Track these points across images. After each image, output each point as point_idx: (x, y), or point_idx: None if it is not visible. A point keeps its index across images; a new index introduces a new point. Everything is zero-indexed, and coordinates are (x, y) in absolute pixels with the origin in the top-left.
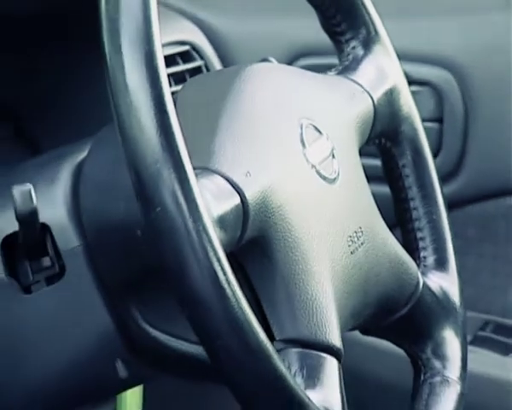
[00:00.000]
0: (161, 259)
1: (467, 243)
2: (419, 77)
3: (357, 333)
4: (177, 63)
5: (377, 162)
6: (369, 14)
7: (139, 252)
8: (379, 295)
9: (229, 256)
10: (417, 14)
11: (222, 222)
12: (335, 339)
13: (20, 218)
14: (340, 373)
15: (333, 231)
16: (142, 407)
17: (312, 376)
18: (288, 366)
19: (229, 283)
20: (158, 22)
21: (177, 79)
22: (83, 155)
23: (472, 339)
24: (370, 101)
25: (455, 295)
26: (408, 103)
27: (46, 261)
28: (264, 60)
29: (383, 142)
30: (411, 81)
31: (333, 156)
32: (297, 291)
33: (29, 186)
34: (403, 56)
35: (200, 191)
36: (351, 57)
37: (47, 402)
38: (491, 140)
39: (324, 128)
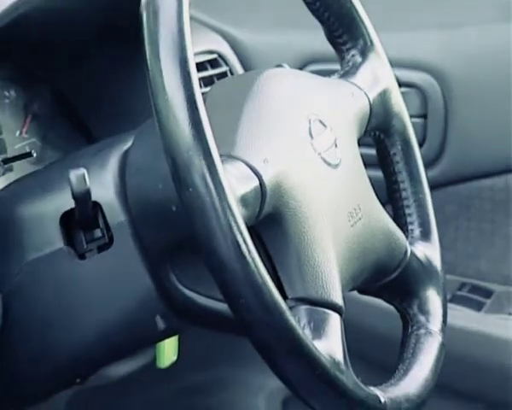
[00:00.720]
0: (193, 231)
1: (446, 217)
2: (407, 80)
3: (355, 293)
4: (206, 69)
5: (373, 151)
6: (366, 27)
7: (175, 225)
8: (374, 261)
9: (250, 229)
10: (406, 28)
11: (243, 201)
12: (338, 298)
13: (76, 197)
14: (341, 326)
15: (335, 208)
16: (178, 353)
17: (318, 328)
18: (298, 320)
19: (249, 251)
20: (190, 34)
21: (206, 82)
22: (128, 144)
23: (451, 298)
24: (367, 100)
25: (437, 261)
26: (398, 102)
27: (97, 233)
28: (279, 66)
29: (377, 134)
30: (401, 84)
31: (336, 146)
32: (305, 258)
33: (83, 170)
34: (394, 63)
35: (225, 175)
36: (350, 64)
37: (97, 353)
38: (466, 133)
39: (329, 122)
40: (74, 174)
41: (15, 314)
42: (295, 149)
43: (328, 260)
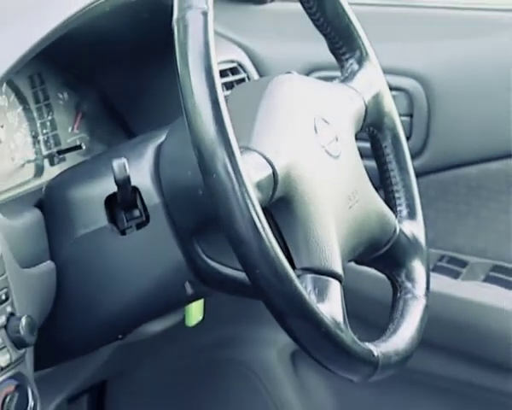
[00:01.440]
0: (216, 211)
1: (428, 200)
2: (396, 85)
3: (353, 264)
4: (227, 75)
5: (367, 144)
6: (361, 40)
7: (201, 206)
8: (368, 237)
9: (264, 210)
10: (395, 41)
11: (258, 186)
12: (338, 268)
13: (118, 182)
14: (341, 292)
15: (336, 192)
16: (203, 313)
17: (322, 294)
18: (305, 286)
19: (263, 228)
20: (214, 46)
21: (228, 86)
22: (162, 138)
23: (433, 268)
24: (363, 101)
25: (421, 237)
26: (389, 103)
27: (136, 213)
28: (288, 72)
29: (371, 130)
30: (391, 88)
31: (336, 140)
32: (311, 234)
33: (124, 160)
34: (385, 70)
35: (243, 164)
36: (349, 71)
37: (135, 314)
38: (446, 129)
39: (330, 120)
40: (117, 163)
41: (68, 282)
42: (302, 143)
43: (330, 236)
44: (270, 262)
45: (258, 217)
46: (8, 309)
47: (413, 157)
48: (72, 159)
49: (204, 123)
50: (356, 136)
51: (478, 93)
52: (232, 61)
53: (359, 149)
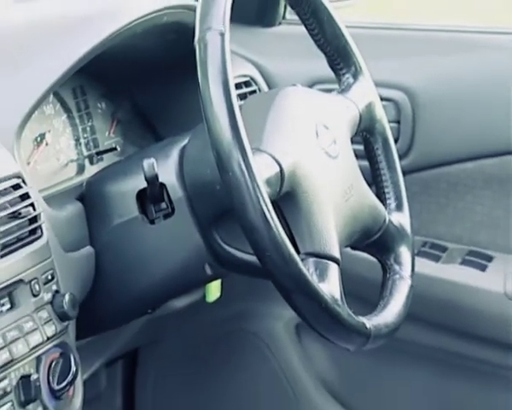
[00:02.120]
0: (232, 203)
1: (413, 195)
2: (386, 96)
3: (349, 249)
4: (241, 87)
5: (361, 147)
6: (356, 57)
7: (219, 200)
8: (362, 226)
9: (273, 203)
10: (385, 58)
11: (268, 182)
12: (336, 252)
13: (147, 179)
14: (339, 273)
15: (334, 187)
16: (221, 291)
17: (322, 275)
18: (308, 269)
19: (272, 219)
20: (230, 63)
21: (241, 97)
22: (185, 141)
23: (417, 252)
24: (357, 110)
25: (407, 226)
26: (380, 112)
27: (163, 205)
28: (294, 85)
29: (365, 134)
30: (382, 98)
31: (335, 143)
32: (313, 224)
33: (153, 160)
34: (377, 83)
35: (255, 163)
36: (345, 83)
37: (163, 291)
38: (428, 134)
39: (330, 126)
40: (146, 163)
41: (105, 264)
42: (306, 145)
43: (329, 225)
44: (277, 247)
45: (268, 209)
46: (54, 287)
47: (400, 158)
48: (108, 159)
49: (221, 128)
50: (351, 139)
51: (456, 104)
52: (245, 76)
53: (354, 150)
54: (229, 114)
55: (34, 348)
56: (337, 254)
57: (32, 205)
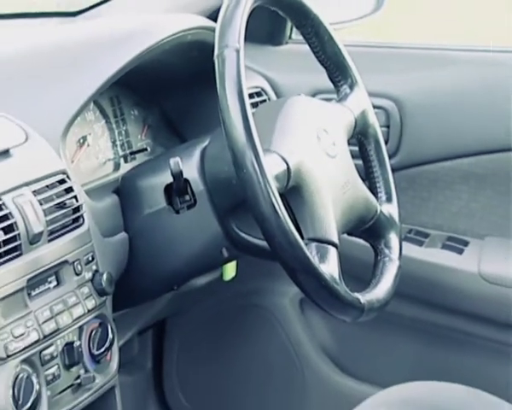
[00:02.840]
0: (246, 196)
1: (401, 189)
2: (378, 104)
3: (346, 235)
4: (253, 97)
5: (356, 148)
6: (352, 71)
7: (234, 193)
8: (357, 215)
9: (281, 196)
10: (377, 72)
11: (276, 178)
12: (335, 238)
13: (173, 175)
14: (337, 256)
15: (333, 182)
16: (236, 271)
17: (323, 257)
18: (310, 252)
19: (280, 209)
20: (245, 76)
21: (254, 105)
22: (206, 143)
23: (404, 238)
24: (353, 116)
25: (396, 215)
26: (372, 118)
27: (187, 198)
28: (298, 95)
29: (359, 137)
30: (374, 106)
31: (334, 144)
32: (315, 213)
33: (178, 159)
34: (370, 94)
35: (266, 162)
36: (343, 94)
37: (186, 270)
38: (413, 137)
39: (329, 130)
40: (172, 161)
41: (137, 248)
42: (309, 146)
43: (329, 215)
44: (284, 234)
45: (277, 201)
46: (94, 267)
47: (390, 157)
48: (140, 158)
49: (237, 132)
50: (348, 141)
51: (436, 111)
52: (257, 87)
53: (350, 151)
54: (244, 119)
55: (77, 319)
56: (336, 240)
57: (75, 197)
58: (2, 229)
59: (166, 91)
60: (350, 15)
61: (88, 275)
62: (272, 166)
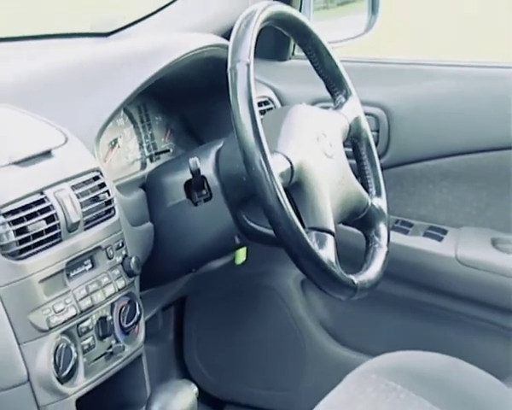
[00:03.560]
0: (255, 191)
1: (389, 185)
2: (369, 112)
3: (341, 225)
4: (261, 106)
5: (350, 149)
6: (347, 83)
7: (245, 188)
8: (351, 207)
9: (285, 190)
10: (369, 84)
11: (281, 175)
12: (332, 227)
13: (192, 172)
14: (334, 243)
15: (330, 178)
16: (246, 256)
17: (321, 244)
18: (311, 239)
19: (285, 202)
20: (254, 87)
21: (262, 113)
22: (220, 145)
23: (391, 227)
24: (347, 122)
25: (384, 208)
26: (364, 123)
27: (204, 192)
28: (300, 103)
29: (353, 140)
30: (365, 113)
31: (331, 146)
32: (315, 205)
33: (196, 158)
34: (362, 103)
35: (272, 161)
36: (339, 102)
37: (204, 255)
38: (399, 140)
39: (327, 133)
40: (192, 160)
41: (161, 235)
42: (309, 148)
43: (327, 207)
44: (288, 223)
45: (281, 195)
46: (123, 252)
47: (379, 157)
48: (163, 158)
49: (247, 135)
50: (343, 143)
51: (420, 117)
52: (264, 97)
53: (345, 152)
54: (253, 124)
55: (109, 297)
56: (332, 228)
57: (107, 191)
58: (45, 219)
59: (186, 100)
60: (345, 35)
61: (118, 259)
62: (278, 165)
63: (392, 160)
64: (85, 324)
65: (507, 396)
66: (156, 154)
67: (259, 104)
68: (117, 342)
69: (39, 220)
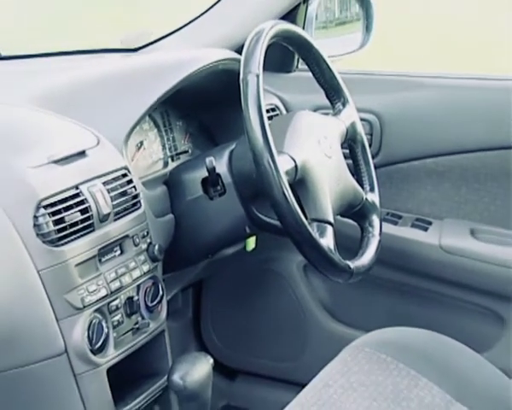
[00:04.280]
0: (263, 187)
1: (381, 182)
2: (364, 117)
3: (339, 217)
4: (269, 112)
5: (347, 151)
6: (345, 92)
7: (255, 184)
8: (348, 201)
9: (290, 186)
10: (364, 93)
11: (287, 173)
12: (331, 218)
13: (208, 170)
14: (333, 232)
15: (330, 176)
16: (256, 243)
17: (322, 233)
18: (312, 229)
19: (290, 196)
20: (263, 96)
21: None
22: (233, 146)
23: (383, 219)
24: (345, 127)
25: (377, 202)
26: (359, 128)
27: (218, 188)
28: (303, 110)
29: (350, 142)
30: (361, 119)
31: (330, 147)
32: (317, 199)
33: (212, 158)
34: (358, 109)
35: (279, 160)
36: (337, 109)
37: (218, 243)
38: (389, 142)
39: (327, 136)
40: (208, 160)
41: (181, 226)
42: (311, 149)
43: (327, 201)
44: (293, 215)
45: (287, 190)
46: (148, 240)
47: (372, 157)
48: (183, 158)
49: (257, 138)
50: (341, 145)
51: (408, 123)
52: (272, 104)
53: (343, 153)
54: (262, 128)
55: (135, 279)
56: (332, 220)
57: (134, 187)
58: (80, 211)
59: (203, 107)
60: (343, 51)
61: (144, 246)
62: (284, 164)
63: (383, 160)
64: (115, 303)
65: (482, 365)
66: (177, 154)
67: (267, 111)
68: (142, 318)
69: (75, 212)
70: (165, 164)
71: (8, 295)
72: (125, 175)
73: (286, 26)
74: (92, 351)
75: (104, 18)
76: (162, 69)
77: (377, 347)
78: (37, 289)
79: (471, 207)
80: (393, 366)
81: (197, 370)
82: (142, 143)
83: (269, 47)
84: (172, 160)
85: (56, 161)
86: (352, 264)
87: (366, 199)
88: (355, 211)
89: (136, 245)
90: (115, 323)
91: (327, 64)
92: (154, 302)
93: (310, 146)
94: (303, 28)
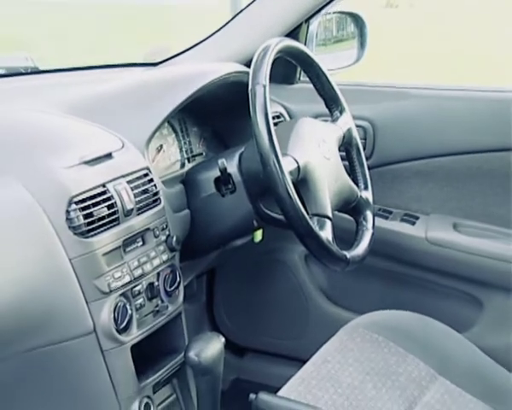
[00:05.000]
0: (269, 185)
1: (374, 182)
2: (358, 124)
3: (337, 212)
4: (274, 119)
5: (343, 153)
6: (342, 102)
7: (262, 183)
8: (344, 198)
9: (293, 185)
10: (359, 102)
11: (290, 173)
12: (330, 213)
13: (221, 170)
14: (332, 226)
15: (329, 176)
16: (263, 235)
17: (322, 226)
18: (313, 223)
19: (293, 194)
20: (269, 104)
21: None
22: (242, 149)
23: (375, 214)
24: (342, 132)
25: (370, 199)
26: (354, 133)
27: (229, 186)
28: (305, 117)
29: (346, 146)
30: (356, 125)
31: (329, 150)
32: (317, 197)
33: (224, 159)
34: (353, 117)
35: (283, 161)
36: (335, 117)
37: (229, 235)
38: (382, 146)
39: (326, 140)
40: (220, 161)
41: (196, 220)
42: (312, 152)
43: (326, 198)
44: (296, 210)
45: (290, 188)
46: (167, 232)
47: (366, 159)
48: (198, 159)
49: (264, 142)
50: (339, 149)
51: (398, 129)
52: (277, 112)
53: (340, 155)
54: (268, 133)
55: (156, 267)
56: (330, 215)
57: (154, 185)
58: (107, 206)
59: (216, 115)
60: (340, 65)
61: (163, 237)
62: (287, 165)
63: (376, 161)
64: (137, 288)
65: (462, 343)
66: (192, 156)
67: (273, 118)
68: (162, 302)
69: (102, 207)
70: (182, 165)
71: (44, 280)
72: (146, 175)
73: (290, 42)
74: (118, 330)
75: (131, 38)
76: (179, 81)
77: (370, 327)
78: (69, 275)
79: (454, 204)
80: (384, 344)
81: (210, 347)
82: (161, 146)
83: (274, 61)
84: (188, 161)
85: (86, 162)
86: (348, 254)
87: (361, 196)
88: (351, 207)
89: (156, 237)
90: (138, 306)
91: (326, 77)
92: (172, 288)
93: (311, 149)
94: (305, 44)
